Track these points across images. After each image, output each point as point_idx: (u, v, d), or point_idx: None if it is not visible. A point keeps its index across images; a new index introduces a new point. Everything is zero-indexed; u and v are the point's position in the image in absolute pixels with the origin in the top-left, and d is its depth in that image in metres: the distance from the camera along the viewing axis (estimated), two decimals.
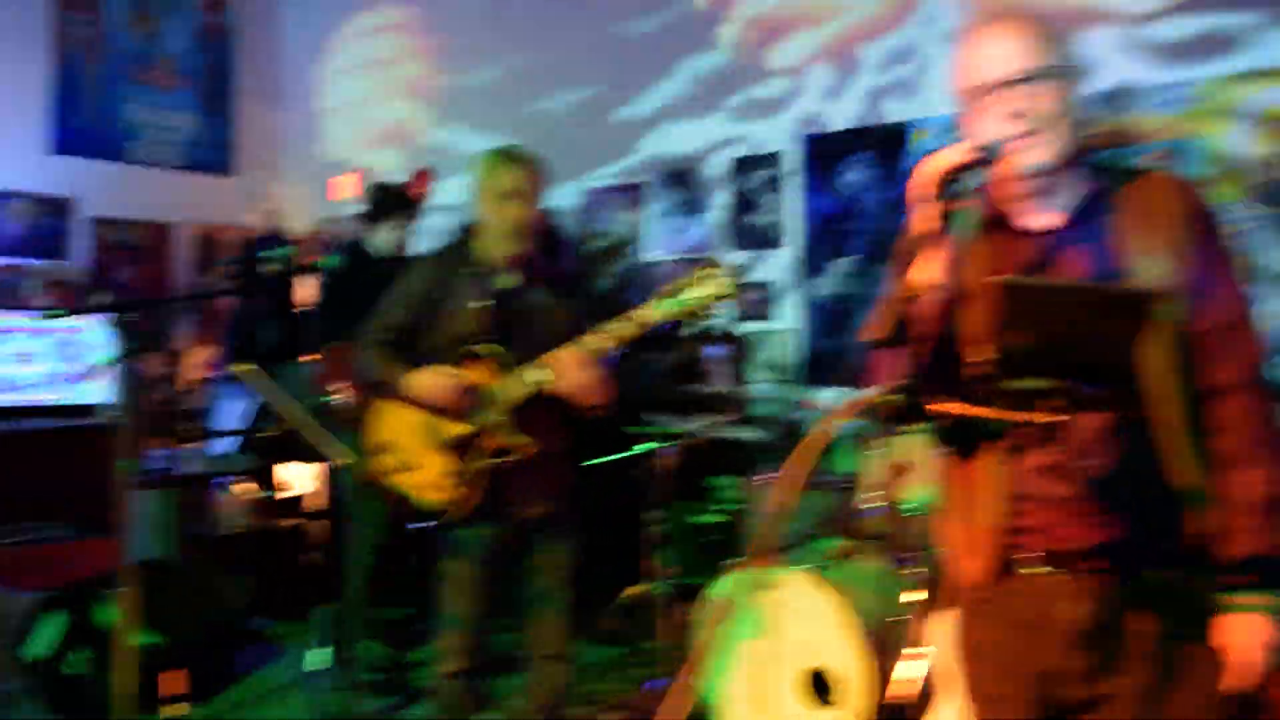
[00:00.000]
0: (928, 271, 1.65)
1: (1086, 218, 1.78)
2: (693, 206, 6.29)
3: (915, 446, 3.26)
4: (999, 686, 1.85)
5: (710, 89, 6.20)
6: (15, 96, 7.87)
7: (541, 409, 2.98)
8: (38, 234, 7.97)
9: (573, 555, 3.20)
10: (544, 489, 3.11)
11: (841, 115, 5.67)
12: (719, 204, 6.16)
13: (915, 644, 3.29)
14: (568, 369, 2.84)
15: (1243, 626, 1.68)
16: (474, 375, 3.01)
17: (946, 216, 1.65)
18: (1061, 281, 1.69)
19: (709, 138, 6.23)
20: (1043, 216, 1.81)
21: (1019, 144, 1.72)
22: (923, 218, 1.64)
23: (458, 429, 3.02)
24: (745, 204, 6.04)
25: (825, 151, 5.72)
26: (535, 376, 2.91)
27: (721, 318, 5.90)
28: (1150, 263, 1.71)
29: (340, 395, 4.47)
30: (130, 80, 8.49)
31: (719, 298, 2.69)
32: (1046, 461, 1.74)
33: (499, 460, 2.99)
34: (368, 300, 4.47)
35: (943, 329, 1.72)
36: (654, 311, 2.75)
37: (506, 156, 3.08)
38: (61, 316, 3.58)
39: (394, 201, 4.57)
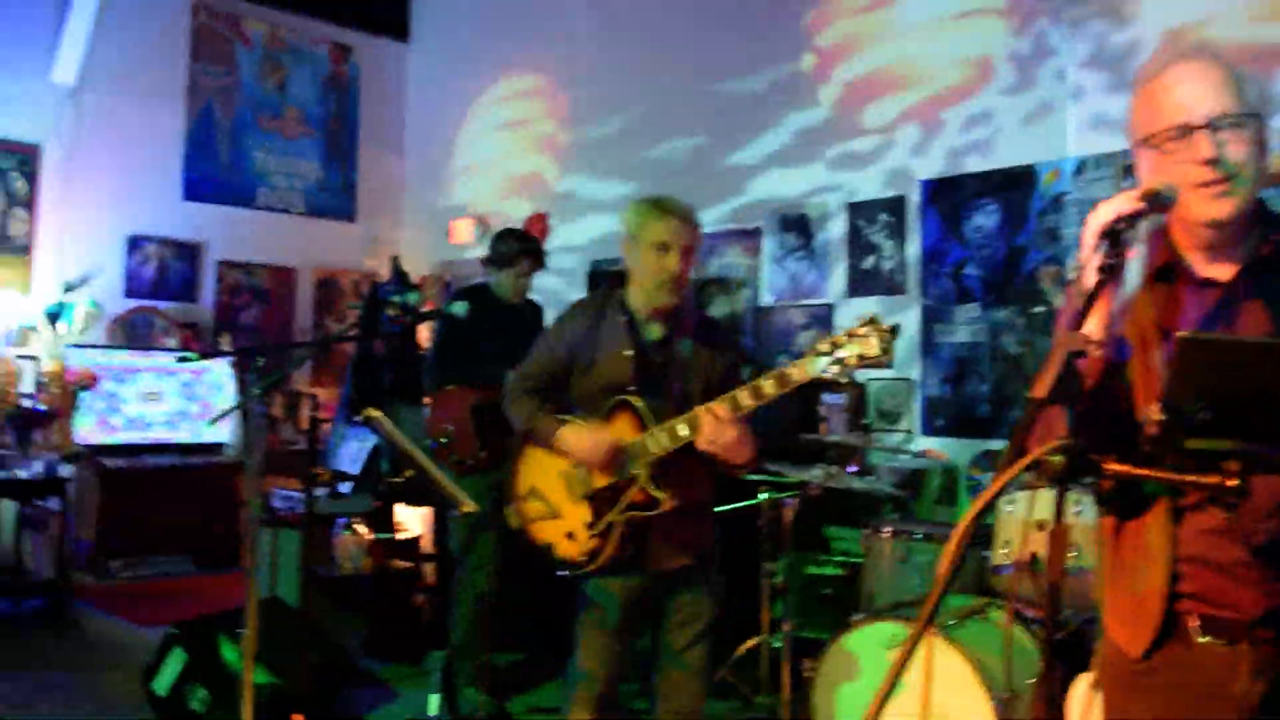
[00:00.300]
0: (1095, 325, 1.56)
1: (1267, 269, 1.67)
2: (810, 251, 6.22)
3: (1052, 504, 3.11)
4: None
5: (810, 140, 6.22)
6: (153, 145, 8.22)
7: (685, 462, 2.90)
8: (169, 277, 8.29)
9: (712, 612, 3.12)
10: (685, 542, 3.03)
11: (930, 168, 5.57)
12: (838, 249, 6.08)
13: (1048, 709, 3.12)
14: (713, 425, 2.74)
15: None
16: (619, 428, 2.96)
17: (1112, 268, 1.56)
18: (1246, 338, 1.58)
19: (813, 183, 6.20)
20: (1219, 267, 1.70)
21: (1207, 192, 1.62)
22: (1091, 269, 1.55)
23: (601, 480, 2.97)
24: (866, 249, 5.95)
25: (949, 196, 5.60)
26: (680, 431, 2.83)
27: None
28: None
29: (448, 438, 4.49)
30: (260, 129, 8.80)
31: (877, 357, 2.54)
32: (1217, 525, 1.62)
33: (640, 515, 2.93)
34: (488, 344, 4.52)
35: (1110, 385, 1.62)
36: (807, 369, 2.61)
37: (661, 208, 3.01)
38: (194, 360, 3.60)
39: (519, 246, 4.61)
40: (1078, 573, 3.30)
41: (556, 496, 3.07)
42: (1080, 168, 5.08)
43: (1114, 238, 1.59)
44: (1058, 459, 1.45)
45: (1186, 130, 1.64)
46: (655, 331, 3.06)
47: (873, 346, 2.53)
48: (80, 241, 7.78)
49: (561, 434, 3.00)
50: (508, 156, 8.33)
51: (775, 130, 6.43)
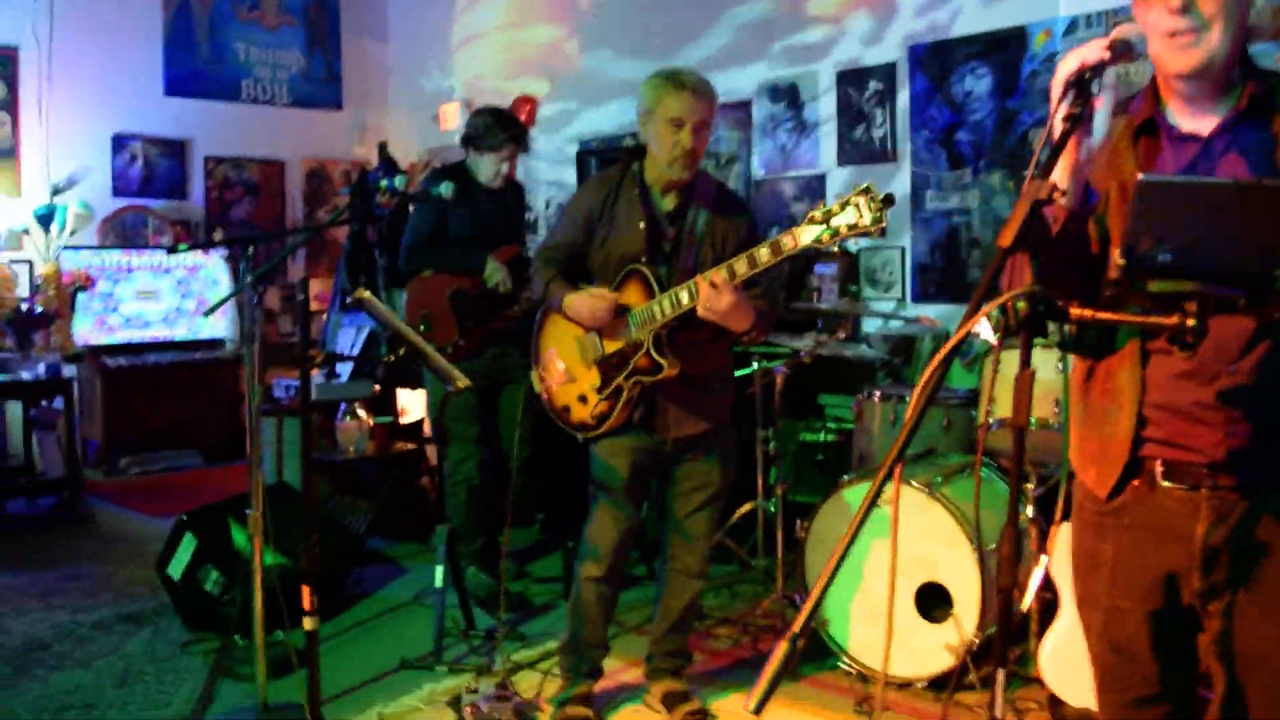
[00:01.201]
0: (1062, 173, 1.58)
1: (1246, 122, 1.67)
2: (801, 122, 6.16)
3: (1037, 360, 3.16)
4: (1119, 599, 1.80)
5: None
6: (132, 42, 8.07)
7: (695, 332, 2.97)
8: (157, 175, 8.22)
9: (723, 479, 3.23)
10: (695, 410, 3.11)
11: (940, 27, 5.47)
12: (828, 119, 6.02)
13: (1036, 558, 3.23)
14: (709, 291, 2.79)
15: None
16: (630, 296, 3.03)
17: (1077, 117, 1.56)
18: (1202, 179, 1.59)
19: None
20: (1199, 120, 1.70)
21: (1174, 42, 1.62)
22: (1057, 118, 1.56)
23: (611, 346, 3.07)
24: (856, 118, 5.89)
25: (938, 61, 5.52)
26: (682, 297, 2.90)
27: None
28: None
29: (426, 325, 4.49)
30: (238, 20, 8.62)
31: (869, 225, 2.55)
32: (1182, 369, 1.67)
33: (646, 379, 3.01)
34: (463, 227, 4.49)
35: (1076, 231, 1.64)
36: (800, 237, 2.64)
37: (677, 82, 3.00)
38: (185, 251, 3.61)
39: (499, 128, 4.50)
40: (1060, 428, 3.37)
41: (571, 362, 3.18)
42: (1071, 27, 5.01)
43: (1080, 86, 1.60)
44: (1022, 304, 1.47)
45: None
46: (669, 203, 3.11)
47: (865, 215, 2.55)
48: (65, 143, 7.70)
49: (568, 299, 3.11)
50: (511, 28, 8.04)
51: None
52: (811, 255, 5.63)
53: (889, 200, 2.55)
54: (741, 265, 2.77)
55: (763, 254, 2.74)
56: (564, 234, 3.24)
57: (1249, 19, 1.68)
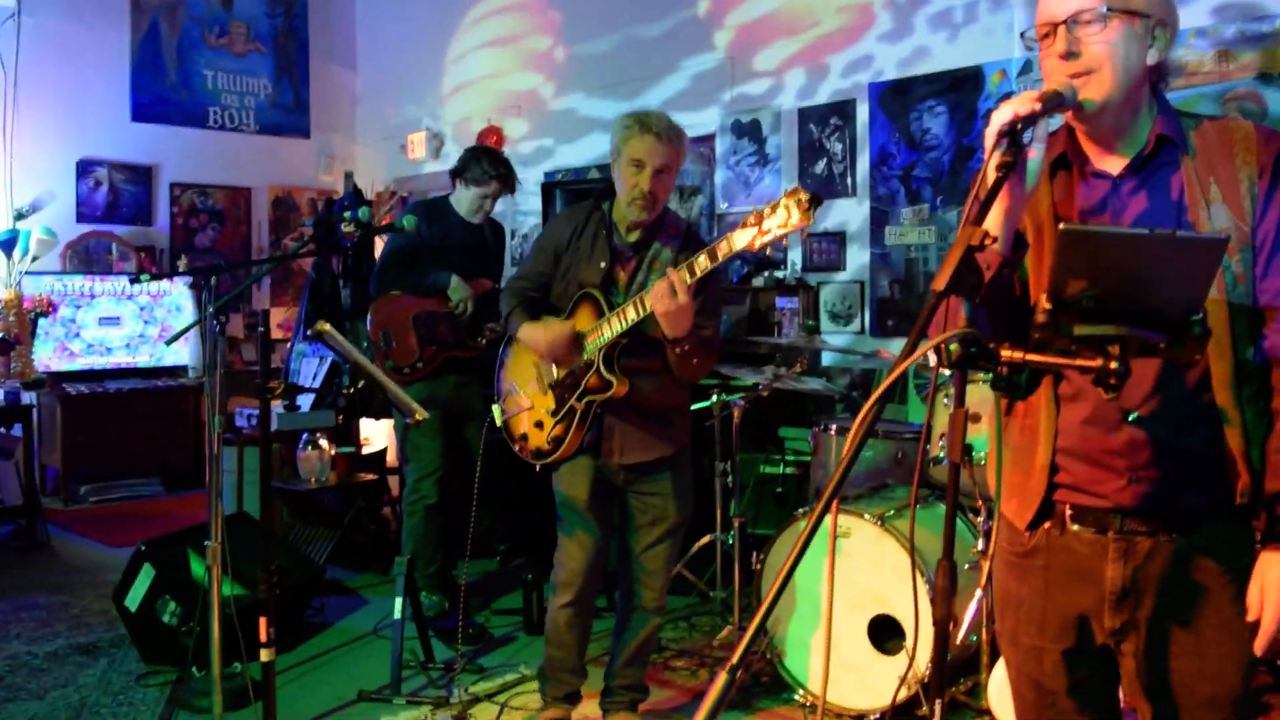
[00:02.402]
0: (994, 220, 1.64)
1: (1152, 163, 1.74)
2: (763, 156, 6.25)
3: (985, 396, 3.23)
4: (1034, 638, 1.86)
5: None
6: (99, 67, 8.07)
7: (647, 360, 3.04)
8: (122, 201, 8.21)
9: (679, 513, 3.25)
10: (649, 437, 3.15)
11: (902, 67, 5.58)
12: (789, 153, 6.11)
13: (977, 592, 3.29)
14: (663, 286, 2.82)
15: (1275, 566, 1.66)
16: (581, 319, 3.10)
17: (1010, 166, 1.63)
18: (1120, 229, 1.66)
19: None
20: (1111, 160, 1.77)
21: (1078, 84, 1.69)
22: (991, 166, 1.62)
23: (563, 369, 3.14)
24: (817, 153, 5.98)
25: (896, 99, 5.63)
26: (629, 313, 2.95)
27: (791, 271, 5.89)
28: (1217, 211, 1.68)
29: (385, 342, 4.55)
30: (207, 46, 8.64)
31: (798, 223, 2.60)
32: (1089, 415, 1.73)
33: (597, 397, 3.06)
34: (437, 258, 4.55)
35: (1007, 277, 1.70)
36: (734, 241, 2.69)
37: (641, 124, 3.06)
38: (146, 282, 3.61)
39: (491, 168, 4.58)
40: None
41: (529, 389, 3.26)
42: (1025, 67, 5.12)
43: (1013, 136, 1.66)
44: (955, 346, 1.53)
45: (1052, 27, 1.70)
46: (633, 239, 3.18)
47: (793, 215, 2.59)
48: (30, 168, 7.68)
49: (524, 329, 3.19)
50: (491, 71, 8.10)
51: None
52: (772, 288, 5.71)
53: (816, 200, 2.60)
54: (700, 263, 2.79)
55: (701, 260, 2.78)
56: (533, 265, 3.31)
57: (1154, 58, 1.74)
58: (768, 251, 2.68)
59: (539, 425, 3.20)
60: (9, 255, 7.35)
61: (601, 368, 3.04)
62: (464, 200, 4.62)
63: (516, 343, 3.31)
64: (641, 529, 3.24)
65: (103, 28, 8.09)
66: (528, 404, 3.24)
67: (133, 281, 3.30)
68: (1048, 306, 1.55)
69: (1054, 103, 1.68)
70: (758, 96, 6.27)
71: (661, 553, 3.26)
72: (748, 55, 6.33)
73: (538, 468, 3.24)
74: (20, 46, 7.64)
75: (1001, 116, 1.67)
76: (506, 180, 4.65)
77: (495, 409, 3.37)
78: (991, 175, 1.65)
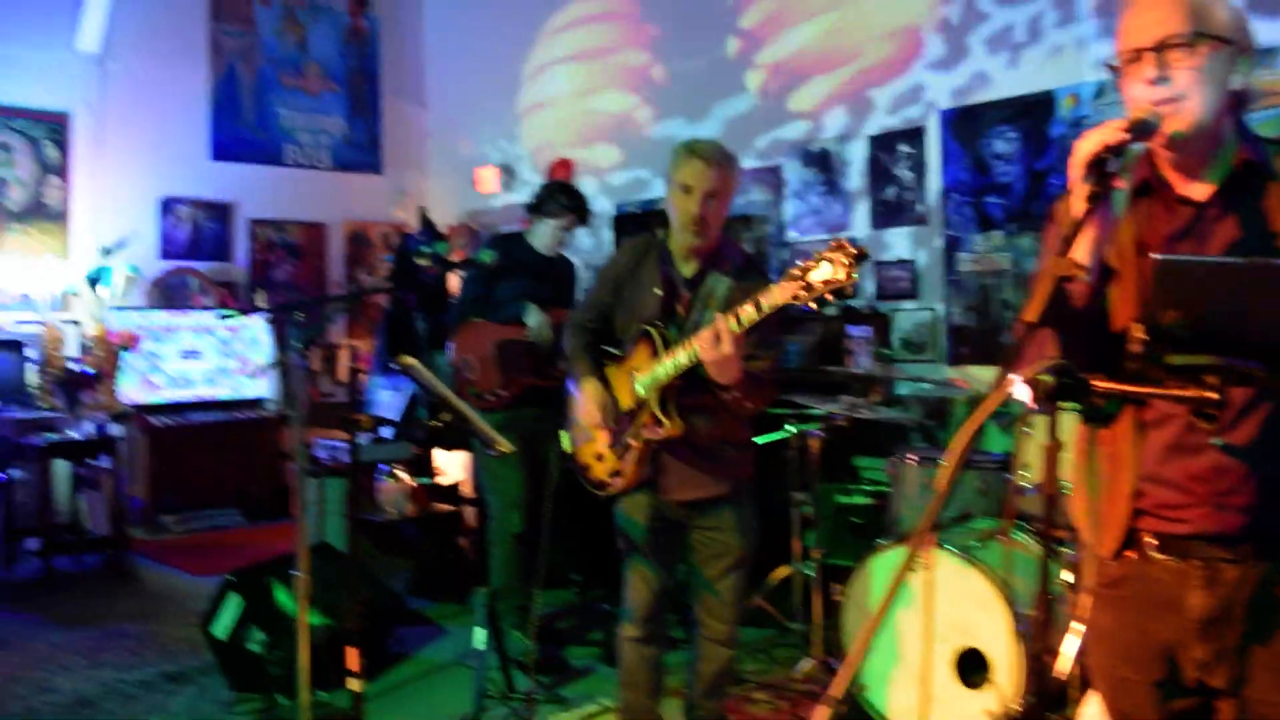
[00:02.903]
0: (1082, 251, 1.63)
1: (1238, 188, 1.73)
2: (832, 185, 6.25)
3: (1070, 426, 3.19)
4: (1122, 670, 1.83)
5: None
6: (180, 108, 8.33)
7: (702, 396, 2.98)
8: (203, 237, 8.44)
9: (742, 548, 3.20)
10: (706, 474, 3.13)
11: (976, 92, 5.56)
12: (860, 182, 6.11)
13: (1071, 624, 3.23)
14: (707, 338, 2.79)
15: None
16: (639, 357, 3.10)
17: (1097, 196, 1.63)
18: (1216, 259, 1.65)
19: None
20: (1195, 185, 1.76)
21: (1166, 110, 1.68)
22: (1078, 197, 1.62)
23: (623, 405, 3.15)
24: (887, 180, 5.98)
25: (967, 125, 5.61)
26: (680, 358, 2.93)
27: (862, 299, 5.87)
28: None
29: (469, 369, 4.61)
30: (283, 87, 8.88)
31: (846, 279, 2.54)
32: (1173, 441, 1.71)
33: (652, 437, 3.05)
34: (512, 289, 4.62)
35: (1096, 307, 1.70)
36: (776, 295, 2.65)
37: (689, 150, 3.06)
38: (235, 317, 3.71)
39: (567, 201, 4.67)
40: None
41: (591, 421, 3.24)
42: (1099, 91, 5.08)
43: (1100, 166, 1.65)
44: (1048, 378, 1.53)
45: (1138, 54, 1.70)
46: (689, 269, 3.16)
47: (839, 271, 2.53)
48: (114, 206, 7.94)
49: (584, 384, 3.22)
50: (573, 90, 8.08)
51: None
52: (844, 317, 5.70)
53: (863, 255, 2.54)
54: (748, 313, 2.74)
55: (745, 311, 2.73)
56: (595, 297, 3.34)
57: (1238, 84, 1.73)
58: (813, 305, 2.62)
59: (599, 458, 3.22)
60: (95, 291, 7.60)
61: (656, 409, 3.02)
62: (541, 235, 4.71)
63: (576, 380, 3.31)
64: (706, 562, 3.21)
65: (183, 70, 8.35)
66: (590, 436, 3.26)
67: (222, 317, 3.40)
68: (1143, 336, 1.54)
69: (1141, 131, 1.68)
70: (824, 125, 6.28)
71: (728, 586, 3.21)
72: (797, 85, 6.34)
73: (600, 496, 3.26)
74: (105, 89, 7.92)
75: (1088, 146, 1.66)
76: (581, 212, 4.74)
77: (564, 436, 3.40)
78: (1079, 206, 1.65)
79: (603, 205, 7.47)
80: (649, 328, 3.08)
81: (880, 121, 6.01)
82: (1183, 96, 1.68)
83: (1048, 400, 1.55)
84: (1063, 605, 3.32)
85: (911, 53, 5.88)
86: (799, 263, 2.62)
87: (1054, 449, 1.58)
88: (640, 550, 3.22)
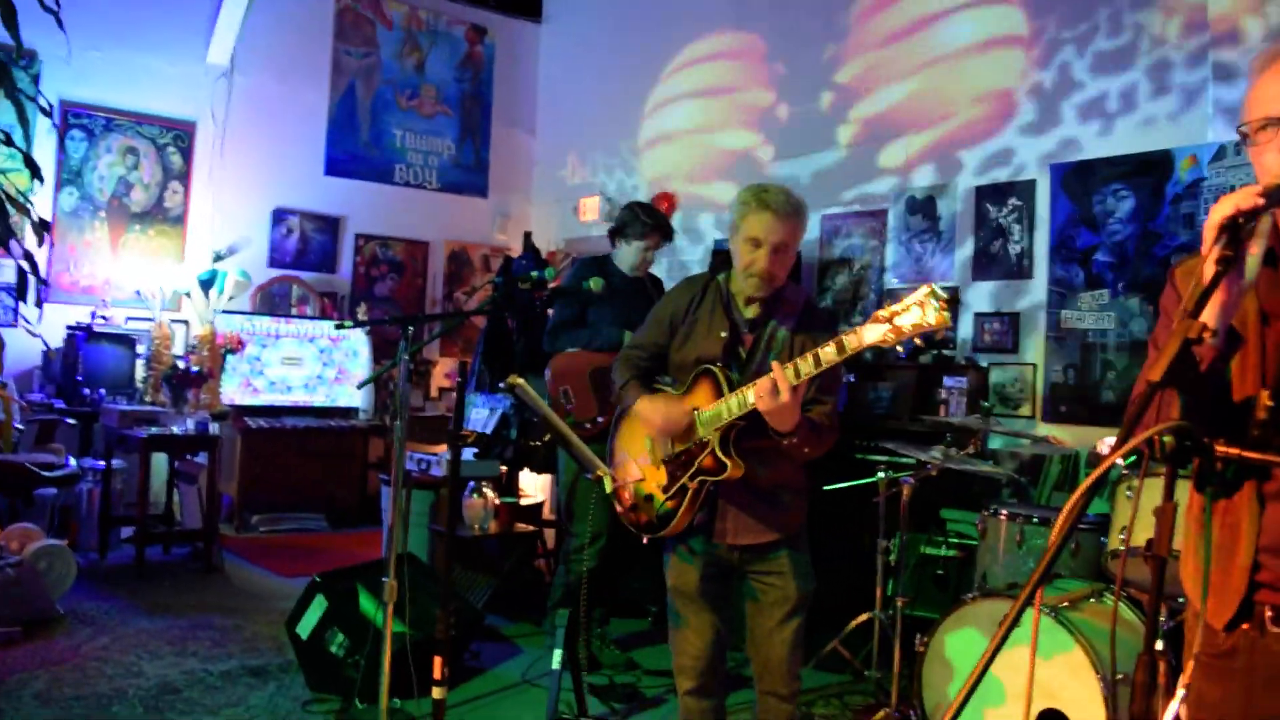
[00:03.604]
0: (1211, 314, 1.62)
1: None
2: (936, 233, 6.21)
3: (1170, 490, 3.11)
4: None
5: None
6: (299, 123, 8.62)
7: (762, 440, 2.91)
8: (311, 248, 8.68)
9: (800, 594, 3.09)
10: (761, 520, 3.06)
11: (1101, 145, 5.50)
12: (964, 231, 6.06)
13: (1166, 692, 3.14)
14: (767, 384, 2.74)
15: None
16: (699, 395, 3.03)
17: (1229, 260, 1.61)
18: None
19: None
20: None
21: None
22: (1210, 260, 1.61)
23: (679, 445, 3.06)
24: (993, 232, 5.92)
25: (1080, 181, 5.54)
26: (749, 397, 2.84)
27: (960, 350, 5.81)
28: None
29: (566, 399, 4.65)
30: (398, 108, 9.13)
31: (933, 326, 2.51)
32: None
33: (711, 478, 2.98)
34: (602, 313, 4.67)
35: (1220, 372, 1.67)
36: (864, 336, 2.59)
37: (760, 201, 2.97)
38: (348, 328, 3.81)
39: (648, 220, 4.73)
40: None
41: (641, 461, 3.17)
42: (1219, 153, 4.98)
43: (1233, 230, 1.64)
44: (1169, 439, 1.51)
45: (1272, 122, 1.68)
46: (751, 312, 3.09)
47: (929, 315, 2.50)
48: (229, 213, 8.22)
49: (640, 402, 3.10)
50: (691, 127, 8.20)
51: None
52: (941, 367, 5.64)
53: (954, 300, 2.53)
54: (807, 364, 2.71)
55: (827, 351, 2.68)
56: (648, 334, 3.25)
57: None
58: (899, 348, 2.59)
59: (649, 499, 3.12)
60: (206, 294, 7.86)
61: (717, 449, 2.94)
62: (626, 256, 4.79)
63: (630, 413, 3.22)
64: (763, 611, 3.11)
65: (304, 88, 8.64)
66: (638, 475, 3.17)
67: (337, 328, 3.49)
68: (1270, 404, 1.52)
69: (1277, 197, 1.66)
70: (932, 173, 6.26)
71: (788, 636, 3.09)
72: (891, 138, 6.33)
73: (645, 540, 3.17)
74: (230, 102, 8.23)
75: (1222, 210, 1.65)
76: (664, 229, 4.79)
77: (605, 476, 3.27)
78: (1210, 269, 1.63)
79: (718, 239, 7.51)
80: (711, 367, 3.01)
81: (991, 174, 5.97)
82: None
83: (1167, 462, 1.53)
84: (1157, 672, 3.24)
85: (1008, 111, 5.84)
86: (888, 305, 2.58)
87: (1170, 510, 1.55)
88: (694, 603, 3.12)
